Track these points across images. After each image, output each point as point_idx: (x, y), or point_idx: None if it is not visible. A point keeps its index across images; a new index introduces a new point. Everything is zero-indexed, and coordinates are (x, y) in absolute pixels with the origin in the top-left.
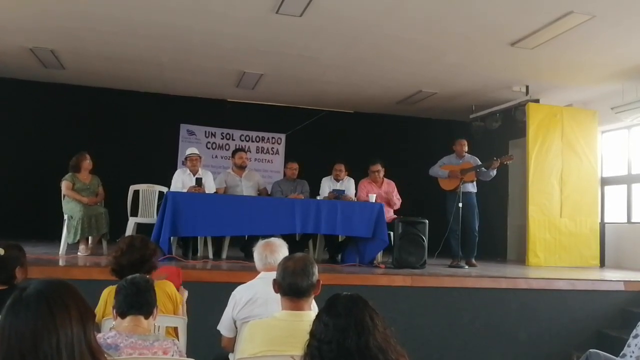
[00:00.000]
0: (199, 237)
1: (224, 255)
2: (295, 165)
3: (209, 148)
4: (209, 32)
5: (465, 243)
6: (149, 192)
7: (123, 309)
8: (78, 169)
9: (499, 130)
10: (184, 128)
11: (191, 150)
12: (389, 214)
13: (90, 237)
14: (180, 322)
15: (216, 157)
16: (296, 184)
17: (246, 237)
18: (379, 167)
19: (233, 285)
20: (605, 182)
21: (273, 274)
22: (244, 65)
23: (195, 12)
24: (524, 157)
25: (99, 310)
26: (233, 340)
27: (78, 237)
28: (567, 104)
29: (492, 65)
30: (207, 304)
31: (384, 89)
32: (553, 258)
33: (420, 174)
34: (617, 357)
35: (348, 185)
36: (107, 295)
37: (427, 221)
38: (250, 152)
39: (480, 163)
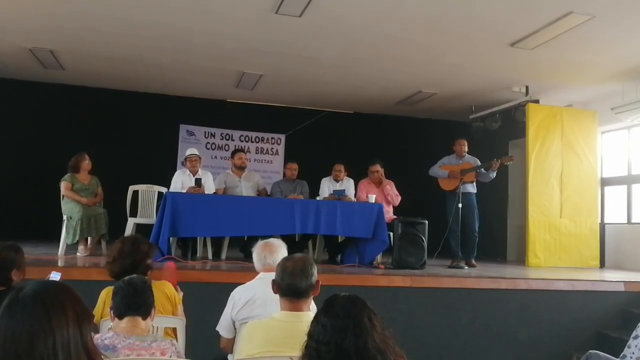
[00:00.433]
0: (198, 238)
1: (223, 256)
2: (295, 166)
3: (208, 148)
4: (208, 33)
5: (465, 243)
6: (148, 192)
7: (120, 310)
8: (77, 170)
9: (498, 131)
10: (183, 128)
11: (191, 150)
12: (389, 215)
13: (89, 238)
14: (178, 322)
15: (216, 157)
16: (296, 185)
17: (245, 237)
18: (378, 167)
19: (232, 286)
20: (605, 182)
21: (272, 275)
22: (244, 65)
23: (195, 12)
24: (523, 157)
25: (97, 311)
26: (232, 341)
27: (77, 238)
28: (567, 105)
29: (491, 65)
30: (206, 304)
31: (383, 89)
32: (553, 259)
33: (419, 174)
34: (617, 358)
35: (347, 186)
36: (106, 295)
37: (426, 222)
38: (249, 152)
39: (480, 164)
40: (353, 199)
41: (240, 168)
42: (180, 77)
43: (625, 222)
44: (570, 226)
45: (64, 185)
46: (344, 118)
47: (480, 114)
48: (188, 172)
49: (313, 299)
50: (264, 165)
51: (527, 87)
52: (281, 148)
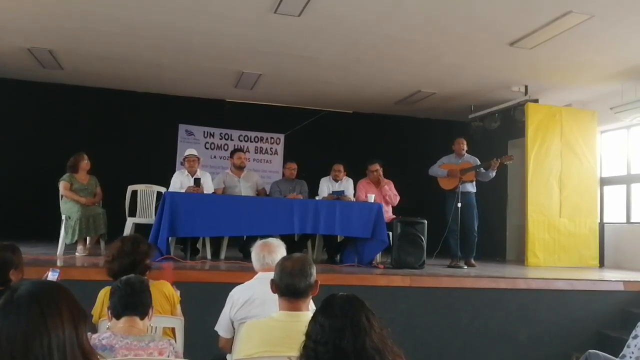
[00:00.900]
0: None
1: (222, 256)
2: (294, 166)
3: (207, 148)
4: (208, 32)
5: (464, 243)
6: (147, 192)
7: (118, 310)
8: (76, 170)
9: (498, 131)
10: (182, 128)
11: (189, 151)
12: (388, 214)
13: (88, 238)
14: (177, 322)
15: (215, 157)
16: (295, 184)
17: (245, 237)
18: (377, 167)
19: (231, 286)
20: (604, 182)
21: (271, 275)
22: (243, 65)
23: (195, 12)
24: (523, 157)
25: (95, 311)
26: (231, 341)
27: (76, 238)
28: (566, 104)
29: (491, 65)
30: (205, 304)
31: (383, 89)
32: (552, 258)
33: (419, 174)
34: (616, 357)
35: (347, 186)
36: (104, 295)
37: (426, 221)
38: (249, 152)
39: (479, 163)
40: (352, 198)
41: (240, 168)
42: (179, 77)
43: (625, 221)
44: (570, 226)
45: (62, 185)
46: (344, 118)
47: (479, 113)
48: (186, 172)
49: (312, 298)
50: (263, 165)
51: (526, 87)
52: (280, 148)
